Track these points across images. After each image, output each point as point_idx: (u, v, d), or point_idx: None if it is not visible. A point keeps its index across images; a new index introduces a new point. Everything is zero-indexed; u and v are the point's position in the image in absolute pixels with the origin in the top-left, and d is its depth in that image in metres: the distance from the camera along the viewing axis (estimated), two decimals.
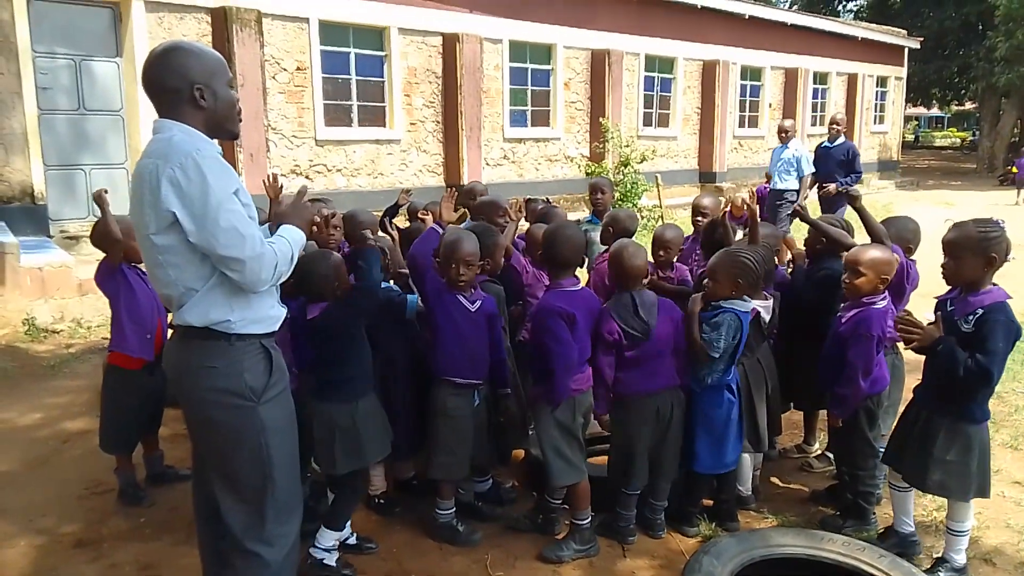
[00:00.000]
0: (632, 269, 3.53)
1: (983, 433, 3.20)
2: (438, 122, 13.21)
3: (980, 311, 3.07)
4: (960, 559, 3.28)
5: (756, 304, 3.74)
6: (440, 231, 3.49)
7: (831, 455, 4.23)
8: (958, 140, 50.09)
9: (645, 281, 3.66)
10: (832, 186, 9.14)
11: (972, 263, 3.13)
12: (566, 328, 3.33)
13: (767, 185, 9.89)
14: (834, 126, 9.54)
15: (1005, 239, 3.12)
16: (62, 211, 9.57)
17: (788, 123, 9.83)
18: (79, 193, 9.75)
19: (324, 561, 3.32)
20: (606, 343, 3.47)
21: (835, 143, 9.49)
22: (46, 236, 9.06)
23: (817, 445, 4.57)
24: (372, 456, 3.39)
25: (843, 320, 3.63)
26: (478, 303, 3.52)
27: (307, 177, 11.41)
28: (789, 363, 4.06)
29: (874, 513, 3.73)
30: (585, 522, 3.50)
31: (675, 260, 4.38)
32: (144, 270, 3.83)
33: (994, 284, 3.17)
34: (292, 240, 2.54)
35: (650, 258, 4.53)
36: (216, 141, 2.50)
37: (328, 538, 3.33)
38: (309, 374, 3.33)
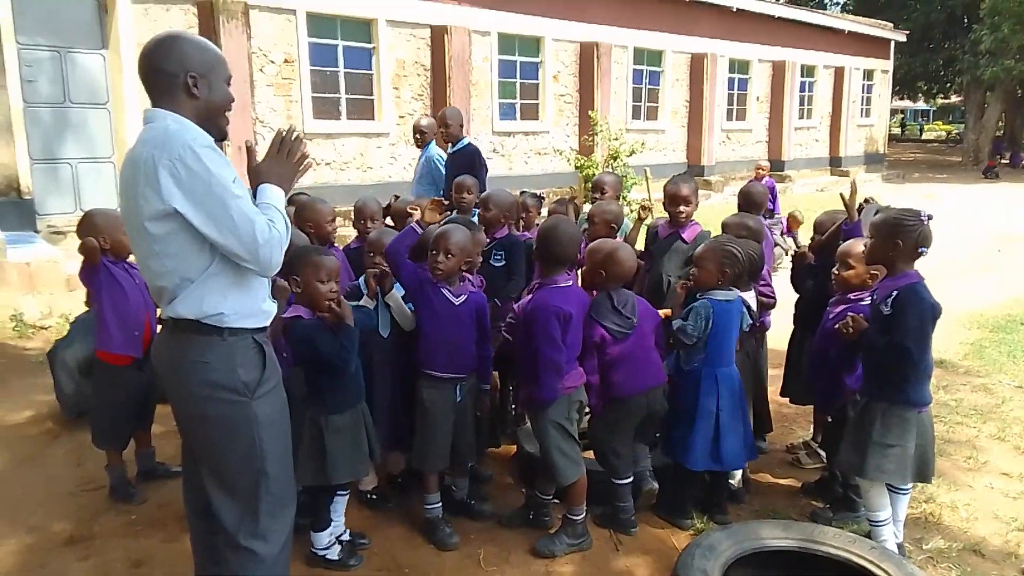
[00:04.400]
0: (620, 271, 3.57)
1: (922, 418, 3.25)
2: (427, 115, 13.14)
3: (895, 293, 3.17)
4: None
5: (743, 296, 3.78)
6: (419, 231, 3.46)
7: (822, 452, 4.25)
8: (943, 133, 50.39)
9: None
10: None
11: (881, 245, 3.25)
12: (559, 328, 3.33)
13: (758, 179, 9.86)
14: (444, 129, 7.00)
15: (921, 230, 3.18)
16: (48, 205, 9.46)
17: (425, 122, 7.42)
18: (65, 187, 9.65)
19: (327, 556, 3.34)
20: (588, 346, 3.50)
21: (455, 148, 7.00)
22: (32, 230, 8.97)
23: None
24: (301, 479, 3.08)
25: (830, 316, 3.68)
26: (463, 296, 3.50)
27: None
28: (800, 356, 4.14)
29: (864, 505, 3.76)
30: (579, 517, 3.50)
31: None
32: (131, 264, 3.83)
33: (914, 270, 3.24)
34: (279, 206, 2.46)
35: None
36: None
37: (322, 538, 3.34)
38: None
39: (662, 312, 3.76)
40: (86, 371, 4.61)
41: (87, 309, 5.06)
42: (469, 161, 6.82)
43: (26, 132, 9.05)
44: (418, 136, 7.33)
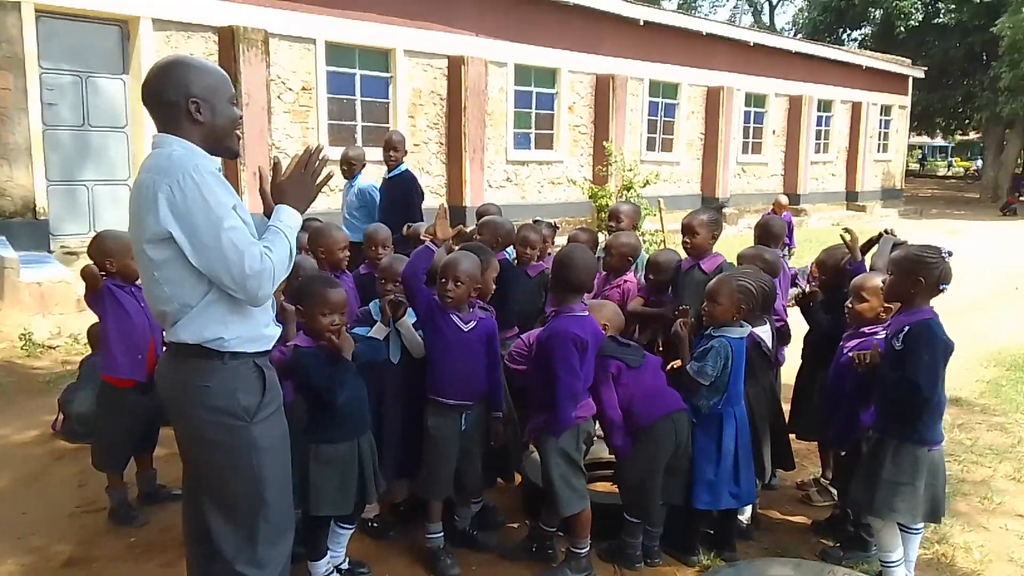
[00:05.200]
0: (619, 322, 3.74)
1: (934, 456, 3.19)
2: (442, 143, 13.24)
3: (907, 328, 3.14)
4: None
5: (756, 331, 3.73)
6: (434, 249, 3.45)
7: (833, 490, 4.16)
8: (961, 169, 50.24)
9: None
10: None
11: (900, 281, 3.22)
12: (576, 355, 3.30)
13: (776, 213, 9.77)
14: (391, 153, 6.91)
15: (942, 267, 3.16)
16: (63, 226, 9.57)
17: (354, 152, 7.21)
18: (81, 209, 9.76)
19: None
20: (606, 381, 3.47)
21: (392, 173, 6.94)
22: (46, 251, 9.06)
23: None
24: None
25: (844, 350, 3.63)
26: (472, 323, 3.48)
27: None
28: (811, 391, 4.11)
29: (875, 545, 3.67)
30: (583, 551, 3.44)
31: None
32: (139, 286, 3.84)
33: (928, 306, 3.20)
34: (288, 231, 2.44)
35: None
36: (219, 160, 2.48)
37: (319, 567, 3.29)
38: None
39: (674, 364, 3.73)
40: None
41: (91, 353, 5.12)
42: (407, 188, 6.80)
43: (44, 154, 9.17)
44: (345, 168, 7.08)
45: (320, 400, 3.08)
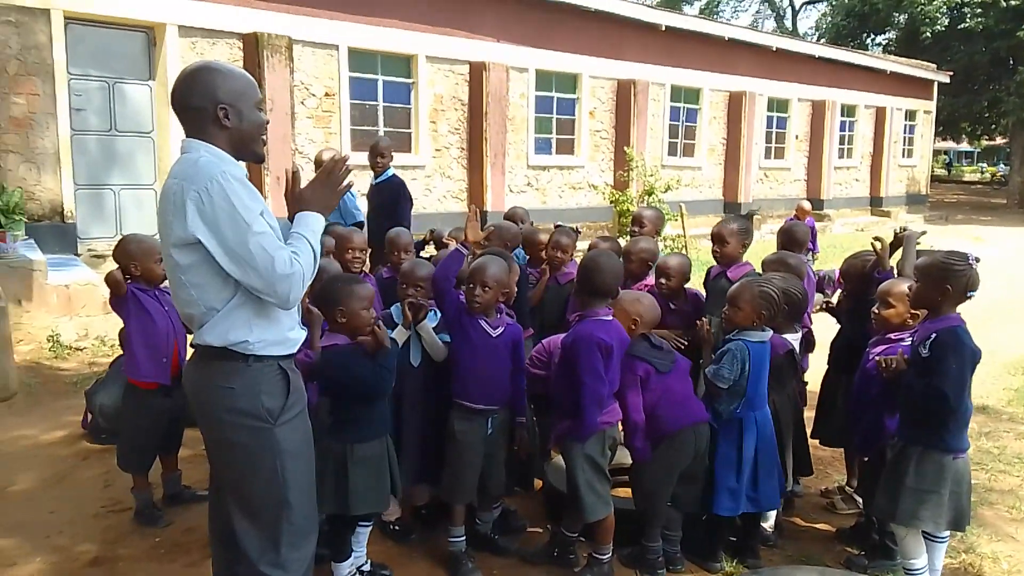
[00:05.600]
0: (652, 317, 3.59)
1: (959, 465, 3.16)
2: (463, 149, 13.28)
3: (934, 335, 3.11)
4: None
5: (787, 338, 3.71)
6: (464, 252, 3.46)
7: (858, 497, 4.11)
8: (988, 175, 49.65)
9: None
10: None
11: (928, 288, 3.19)
12: (602, 361, 3.28)
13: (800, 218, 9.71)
14: (378, 159, 6.93)
15: (969, 274, 3.12)
16: (90, 229, 9.71)
17: (328, 155, 7.43)
18: (108, 212, 9.90)
19: None
20: (632, 383, 3.44)
21: (380, 179, 7.01)
22: (74, 254, 9.18)
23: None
24: (323, 508, 2.99)
25: (870, 356, 3.60)
26: (501, 329, 3.48)
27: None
28: (836, 397, 4.10)
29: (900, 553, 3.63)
30: (605, 556, 3.43)
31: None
32: (163, 289, 3.90)
33: (956, 313, 3.17)
34: (312, 237, 2.44)
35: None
36: (243, 164, 2.50)
37: (343, 569, 3.31)
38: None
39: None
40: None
41: (122, 354, 5.17)
42: (394, 193, 6.81)
43: (72, 159, 9.30)
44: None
45: (367, 395, 3.13)
